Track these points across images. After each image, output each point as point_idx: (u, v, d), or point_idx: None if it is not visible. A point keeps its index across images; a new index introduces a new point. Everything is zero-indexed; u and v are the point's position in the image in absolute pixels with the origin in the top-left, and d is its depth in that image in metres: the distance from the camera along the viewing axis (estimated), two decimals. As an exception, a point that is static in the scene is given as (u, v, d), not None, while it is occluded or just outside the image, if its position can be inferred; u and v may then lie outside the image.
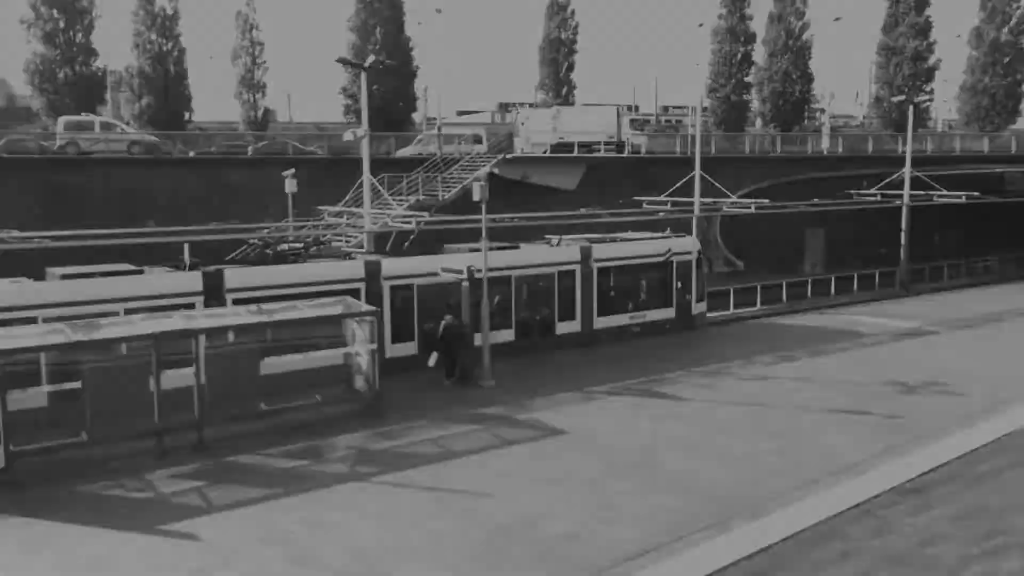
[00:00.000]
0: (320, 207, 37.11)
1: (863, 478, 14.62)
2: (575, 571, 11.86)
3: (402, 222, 31.82)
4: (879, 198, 44.80)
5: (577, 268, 28.34)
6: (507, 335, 26.56)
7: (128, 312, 19.56)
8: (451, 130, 52.78)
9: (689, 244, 31.72)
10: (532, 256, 28.11)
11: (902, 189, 43.39)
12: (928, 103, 63.33)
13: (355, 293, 22.93)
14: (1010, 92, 62.17)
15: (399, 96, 54.02)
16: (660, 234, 32.22)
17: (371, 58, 32.89)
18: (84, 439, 16.72)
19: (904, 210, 43.10)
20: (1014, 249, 54.18)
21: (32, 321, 18.54)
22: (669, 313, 30.87)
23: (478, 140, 46.92)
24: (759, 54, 60.86)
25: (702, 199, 37.46)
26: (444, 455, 17.13)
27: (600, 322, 28.93)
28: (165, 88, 48.66)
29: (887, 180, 45.54)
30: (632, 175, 46.81)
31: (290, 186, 33.37)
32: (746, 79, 60.33)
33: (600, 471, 15.93)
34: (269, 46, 54.13)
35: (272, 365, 19.73)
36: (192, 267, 22.34)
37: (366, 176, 29.33)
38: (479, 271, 23.37)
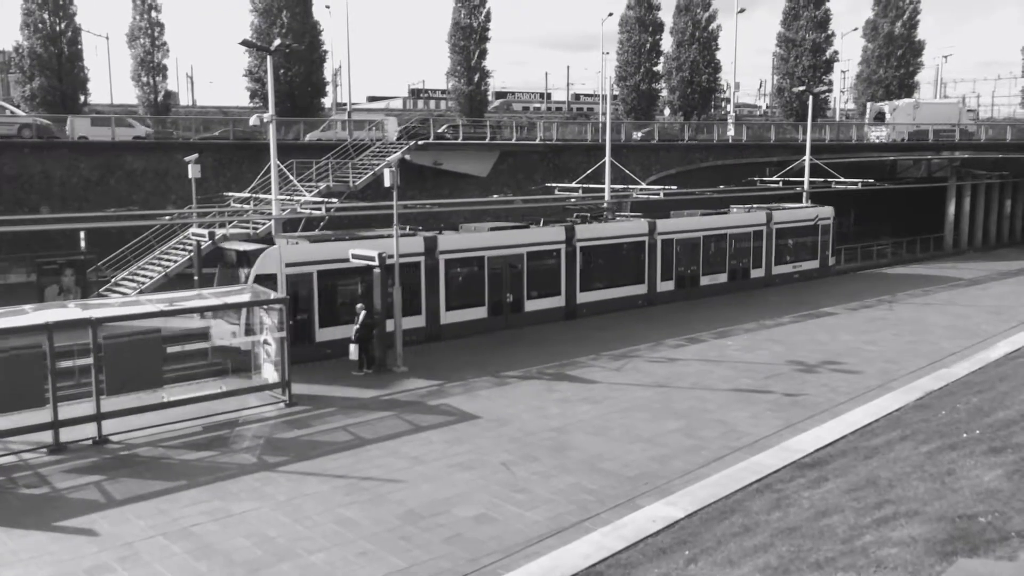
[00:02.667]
0: (227, 193, 36.14)
1: (764, 454, 15.10)
2: (486, 554, 11.92)
3: (312, 208, 31.28)
4: (781, 184, 46.26)
5: (764, 228, 38.01)
6: (722, 278, 36.10)
7: (529, 256, 28.88)
8: (362, 116, 52.09)
9: (828, 212, 41.33)
10: (738, 219, 37.41)
11: (802, 176, 44.90)
12: (827, 93, 65.65)
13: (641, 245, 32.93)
14: (903, 83, 64.91)
15: (307, 81, 52.95)
16: (807, 204, 42.13)
17: (277, 41, 32.10)
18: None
19: (804, 196, 44.58)
20: (903, 233, 56.71)
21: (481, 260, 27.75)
22: (815, 264, 40.94)
23: (379, 128, 46.21)
24: (667, 43, 61.98)
25: (613, 185, 38.03)
26: (355, 442, 16.96)
27: (776, 269, 38.68)
28: (59, 69, 46.48)
29: (788, 167, 47.07)
30: (544, 162, 47.12)
31: (194, 172, 32.35)
32: (655, 68, 61.32)
33: (511, 454, 16.04)
34: (169, 27, 52.31)
35: (175, 354, 19.21)
36: None
37: (273, 162, 28.66)
38: (390, 257, 23.17)
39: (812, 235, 40.51)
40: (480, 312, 27.64)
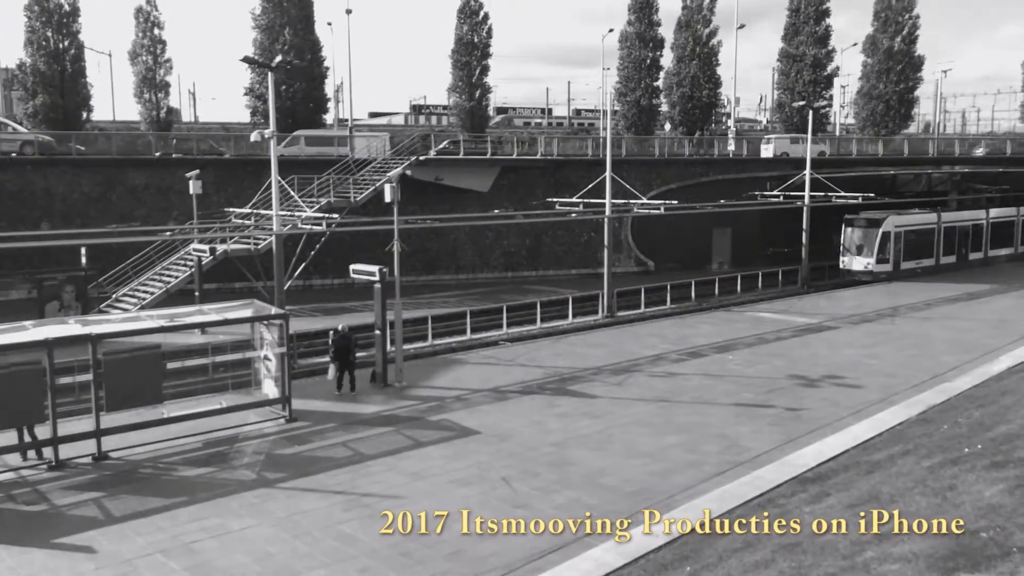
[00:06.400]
0: (228, 209, 36.25)
1: (766, 469, 15.03)
2: (487, 570, 11.86)
3: (312, 224, 31.34)
4: (781, 199, 46.29)
5: None
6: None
7: (972, 228, 50.87)
8: (363, 132, 52.25)
9: None
10: None
11: (803, 190, 44.95)
12: (827, 108, 65.70)
13: (1012, 223, 54.41)
14: (902, 98, 65.01)
15: (309, 97, 53.16)
16: None
17: (278, 58, 32.23)
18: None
19: (805, 210, 44.65)
20: None
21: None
22: None
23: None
24: (667, 59, 62.11)
25: (613, 200, 38.07)
26: (355, 458, 16.91)
27: None
28: (61, 86, 46.71)
29: (789, 182, 47.13)
30: (545, 177, 47.20)
31: (195, 187, 32.46)
32: (655, 83, 61.44)
33: (511, 469, 15.97)
34: (171, 44, 52.50)
35: (175, 369, 19.20)
36: None
37: (274, 178, 28.73)
38: (391, 275, 23.17)
39: None
40: (951, 258, 48.51)
